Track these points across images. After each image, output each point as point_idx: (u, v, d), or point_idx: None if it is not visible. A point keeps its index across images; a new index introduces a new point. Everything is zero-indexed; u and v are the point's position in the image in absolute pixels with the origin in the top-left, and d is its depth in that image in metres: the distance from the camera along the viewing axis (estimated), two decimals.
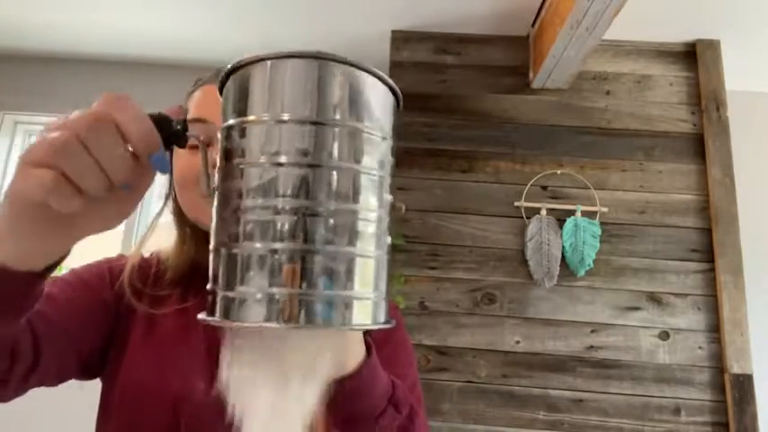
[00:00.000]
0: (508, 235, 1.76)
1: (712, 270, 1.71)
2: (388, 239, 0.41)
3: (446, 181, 1.81)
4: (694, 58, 1.88)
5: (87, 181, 0.34)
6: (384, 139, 0.40)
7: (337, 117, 0.37)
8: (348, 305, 0.37)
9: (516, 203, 1.77)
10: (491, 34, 1.93)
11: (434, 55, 1.94)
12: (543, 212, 1.75)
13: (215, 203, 0.40)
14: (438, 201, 1.79)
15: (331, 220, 0.36)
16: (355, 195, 0.38)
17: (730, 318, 1.65)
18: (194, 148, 0.62)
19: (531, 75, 1.86)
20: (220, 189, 0.40)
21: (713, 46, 1.88)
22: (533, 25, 1.86)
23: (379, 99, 0.40)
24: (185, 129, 0.41)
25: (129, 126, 0.36)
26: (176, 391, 0.58)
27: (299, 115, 0.37)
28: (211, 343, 0.60)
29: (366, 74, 0.39)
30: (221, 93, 0.42)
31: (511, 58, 1.91)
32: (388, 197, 0.41)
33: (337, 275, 0.36)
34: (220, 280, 0.38)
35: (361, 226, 0.38)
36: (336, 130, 0.37)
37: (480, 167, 1.81)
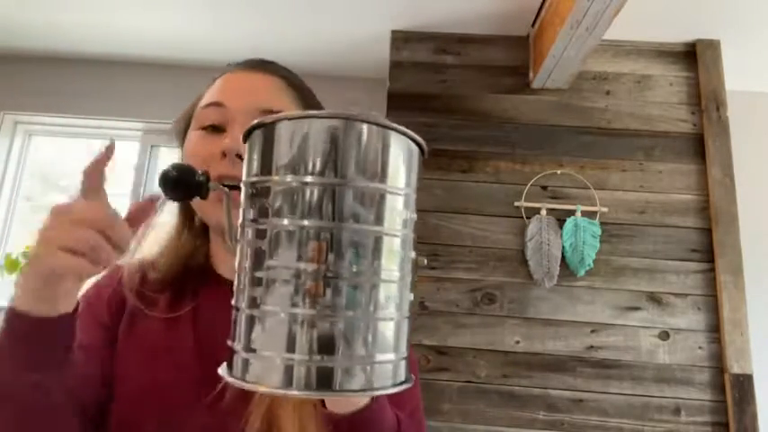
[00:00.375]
0: (508, 235, 1.76)
1: (712, 270, 1.71)
2: (411, 297, 0.40)
3: (446, 181, 1.81)
4: (694, 58, 1.88)
5: (101, 258, 0.44)
6: (407, 195, 0.40)
7: (360, 178, 0.37)
8: (367, 370, 0.36)
9: (516, 203, 1.77)
10: (491, 34, 1.93)
11: (434, 55, 1.94)
12: (543, 212, 1.75)
13: (238, 256, 0.40)
14: (438, 201, 1.79)
15: (352, 285, 0.36)
16: (377, 258, 0.37)
17: (730, 318, 1.65)
18: (205, 129, 0.63)
19: (531, 75, 1.86)
20: (243, 244, 0.39)
21: (713, 46, 1.88)
22: (533, 25, 1.86)
23: (403, 155, 0.40)
24: (208, 179, 0.44)
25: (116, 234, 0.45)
26: (167, 390, 0.58)
27: (320, 177, 0.36)
28: (202, 344, 0.60)
29: (391, 131, 0.39)
30: (246, 142, 0.42)
31: (511, 58, 1.91)
32: (412, 254, 0.40)
33: (357, 341, 0.36)
34: (242, 339, 0.38)
35: (383, 289, 0.37)
36: (359, 191, 0.37)
37: (480, 167, 1.81)
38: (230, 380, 0.38)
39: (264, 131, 0.39)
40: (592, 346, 1.68)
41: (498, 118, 1.85)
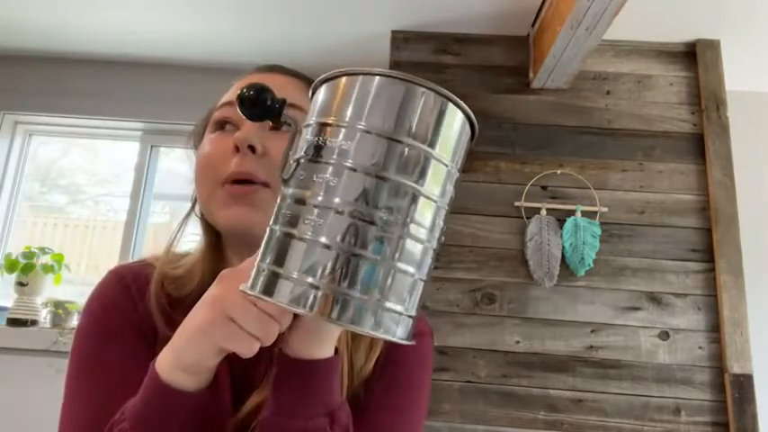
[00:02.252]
0: (508, 235, 1.76)
1: (712, 270, 1.71)
2: (431, 264, 0.42)
3: None
4: (694, 58, 1.88)
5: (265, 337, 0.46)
6: (451, 168, 0.42)
7: (411, 138, 0.40)
8: (377, 313, 0.38)
9: (516, 203, 1.77)
10: (491, 34, 1.93)
11: (434, 55, 1.94)
12: (543, 212, 1.75)
13: (282, 187, 0.43)
14: None
15: (382, 231, 0.38)
16: (410, 213, 0.39)
17: (730, 318, 1.65)
18: (220, 129, 0.63)
19: (531, 75, 1.86)
20: (293, 176, 0.42)
21: (713, 46, 1.88)
22: (533, 25, 1.86)
23: (455, 129, 0.42)
24: (283, 104, 0.45)
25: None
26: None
27: (375, 128, 0.39)
28: (234, 374, 0.59)
29: (448, 101, 0.41)
30: (313, 95, 0.45)
31: (511, 58, 1.91)
32: (441, 225, 0.42)
33: (374, 283, 0.38)
34: (269, 257, 0.40)
35: (409, 244, 0.39)
36: (407, 149, 0.39)
37: (480, 167, 1.81)
38: (253, 294, 0.40)
39: (330, 84, 0.43)
40: (592, 346, 1.68)
41: (498, 118, 1.85)
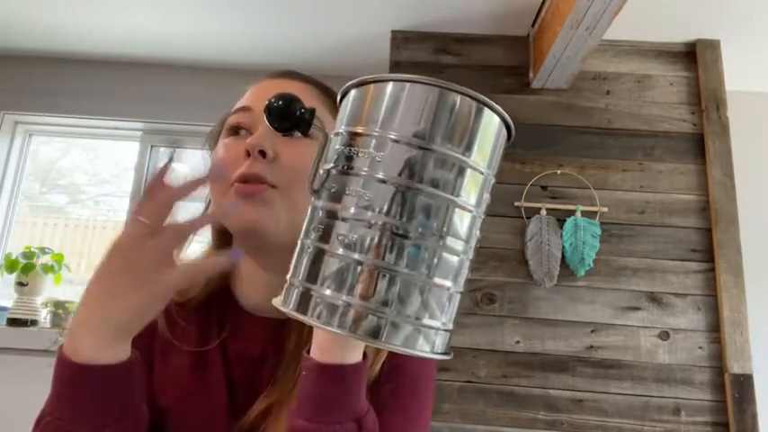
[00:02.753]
0: (508, 235, 1.76)
1: (712, 270, 1.71)
2: (467, 274, 0.41)
3: None
4: (694, 58, 1.88)
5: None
6: (487, 175, 0.41)
7: (445, 146, 0.38)
8: (412, 330, 0.37)
9: (516, 203, 1.77)
10: (491, 34, 1.93)
11: (434, 55, 1.94)
12: (543, 212, 1.75)
13: (313, 198, 0.42)
14: None
15: (417, 245, 0.37)
16: (446, 226, 0.38)
17: (730, 318, 1.65)
18: (233, 135, 0.63)
19: (531, 75, 1.86)
20: (323, 187, 0.41)
21: (713, 46, 1.88)
22: (533, 25, 1.86)
23: (491, 134, 0.41)
24: (312, 114, 0.43)
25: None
26: (198, 424, 0.58)
27: (407, 137, 0.38)
28: (232, 376, 0.60)
29: (483, 106, 0.40)
30: (341, 102, 0.44)
31: (511, 58, 1.91)
32: (477, 234, 0.41)
33: (410, 299, 0.37)
34: (301, 273, 0.39)
35: (445, 257, 0.38)
36: (442, 158, 0.38)
37: None
38: (287, 311, 0.39)
39: (359, 91, 0.41)
40: (592, 346, 1.68)
41: None
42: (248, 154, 0.58)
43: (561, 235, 1.72)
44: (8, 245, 2.24)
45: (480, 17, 1.85)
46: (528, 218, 1.76)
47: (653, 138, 1.83)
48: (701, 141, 1.81)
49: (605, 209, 1.75)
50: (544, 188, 1.79)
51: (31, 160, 2.39)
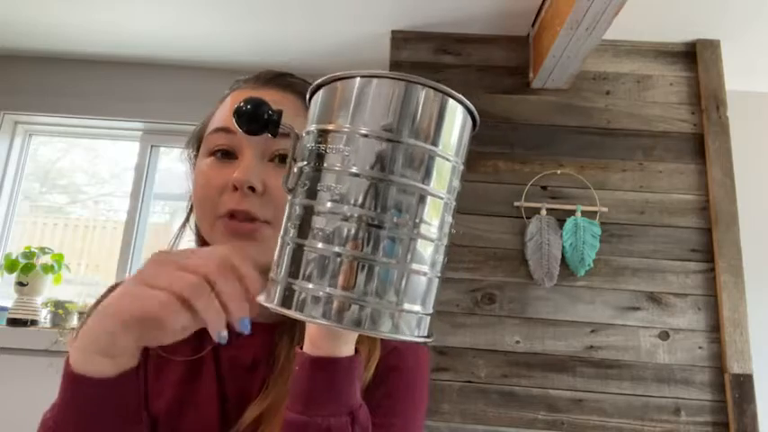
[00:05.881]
0: (508, 235, 1.76)
1: (712, 270, 1.71)
2: (443, 260, 0.43)
3: None
4: (694, 58, 1.88)
5: (209, 314, 0.41)
6: (455, 163, 0.42)
7: (413, 137, 0.39)
8: (395, 316, 0.39)
9: (516, 203, 1.77)
10: (491, 34, 1.93)
11: (434, 55, 1.94)
12: (543, 212, 1.75)
13: (289, 197, 0.43)
14: None
15: (392, 234, 0.38)
16: (419, 214, 0.39)
17: (730, 318, 1.65)
18: (215, 156, 0.61)
19: (531, 75, 1.86)
20: (297, 185, 0.42)
21: (713, 46, 1.88)
22: (533, 25, 1.86)
23: (456, 123, 0.42)
24: (279, 116, 0.44)
25: (252, 282, 0.43)
26: None
27: (376, 131, 0.39)
28: (224, 384, 0.61)
29: (447, 97, 0.41)
30: (310, 101, 0.45)
31: (511, 58, 1.91)
32: (450, 220, 0.43)
33: (389, 287, 0.38)
34: (283, 270, 0.40)
35: (420, 244, 0.40)
36: (410, 149, 0.39)
37: (480, 167, 1.81)
38: (271, 306, 0.40)
39: (328, 89, 0.42)
40: (592, 346, 1.68)
41: (498, 118, 1.85)
42: (235, 188, 0.57)
43: (561, 235, 1.72)
44: (8, 245, 2.24)
45: (480, 17, 1.85)
46: (528, 218, 1.76)
47: (653, 138, 1.83)
48: (701, 141, 1.81)
49: (605, 209, 1.75)
50: (544, 188, 1.79)
51: (31, 160, 2.39)
